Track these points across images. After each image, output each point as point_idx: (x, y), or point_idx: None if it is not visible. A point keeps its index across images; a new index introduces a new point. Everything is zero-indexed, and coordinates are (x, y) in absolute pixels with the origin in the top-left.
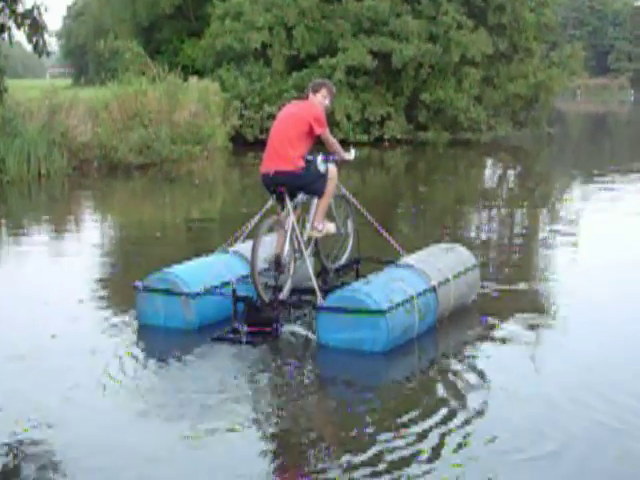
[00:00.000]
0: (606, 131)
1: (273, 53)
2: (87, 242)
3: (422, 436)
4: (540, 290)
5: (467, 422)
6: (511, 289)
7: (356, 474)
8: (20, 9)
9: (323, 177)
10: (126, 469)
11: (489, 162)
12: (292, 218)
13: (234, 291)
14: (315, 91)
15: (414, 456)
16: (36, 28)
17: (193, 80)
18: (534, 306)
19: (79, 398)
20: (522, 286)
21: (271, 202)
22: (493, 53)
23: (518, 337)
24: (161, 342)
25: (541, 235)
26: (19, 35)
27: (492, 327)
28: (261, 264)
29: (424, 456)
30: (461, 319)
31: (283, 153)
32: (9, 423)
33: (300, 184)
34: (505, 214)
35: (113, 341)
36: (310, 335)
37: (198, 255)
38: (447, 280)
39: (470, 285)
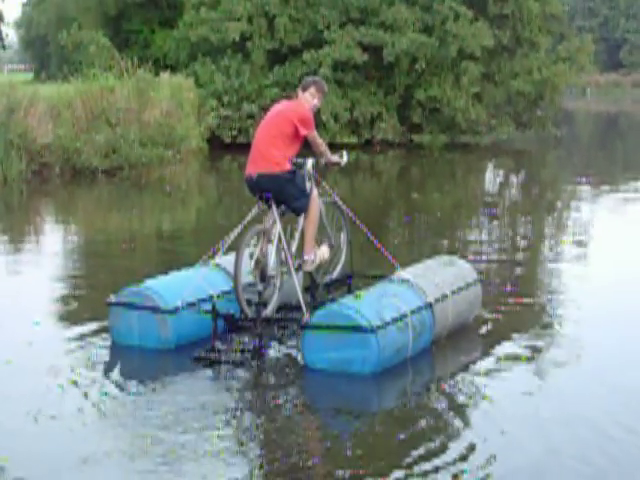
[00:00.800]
0: (618, 133)
1: (253, 46)
2: (46, 255)
3: (414, 467)
4: (544, 307)
5: (463, 455)
6: (512, 306)
7: None
8: None
9: (307, 195)
10: None
11: (490, 168)
12: (278, 227)
13: (214, 307)
14: (304, 89)
15: None
16: None
17: (165, 75)
18: (538, 324)
19: (30, 430)
20: (525, 302)
21: (255, 210)
22: (494, 47)
23: (520, 359)
24: (133, 364)
25: (545, 248)
26: None
27: (494, 348)
28: (246, 278)
29: None
30: (460, 339)
31: (267, 155)
32: None
33: (283, 191)
34: (507, 226)
35: (73, 364)
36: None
37: (169, 270)
38: (445, 296)
39: (471, 302)
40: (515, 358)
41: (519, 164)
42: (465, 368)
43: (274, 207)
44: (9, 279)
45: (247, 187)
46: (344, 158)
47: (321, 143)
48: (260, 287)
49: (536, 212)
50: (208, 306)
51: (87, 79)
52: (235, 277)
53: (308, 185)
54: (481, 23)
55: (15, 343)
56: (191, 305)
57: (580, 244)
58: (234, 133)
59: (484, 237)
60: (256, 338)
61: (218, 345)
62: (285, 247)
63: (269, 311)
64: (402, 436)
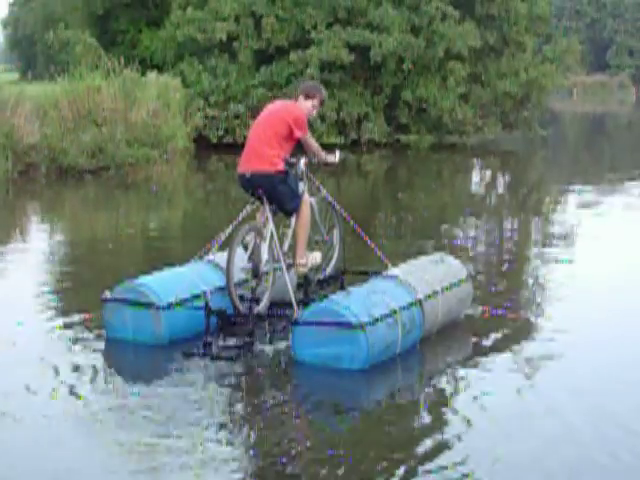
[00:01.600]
0: (605, 134)
1: (240, 46)
2: (32, 256)
3: (400, 464)
4: (533, 304)
5: (450, 449)
6: (502, 303)
7: None
8: None
9: (298, 197)
10: None
11: (476, 168)
12: (271, 225)
13: (207, 303)
14: (307, 96)
15: None
16: None
17: (152, 75)
18: (528, 321)
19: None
20: (513, 299)
21: (248, 208)
22: (481, 47)
23: (509, 358)
24: (126, 358)
25: (532, 247)
26: None
27: (484, 344)
28: (240, 275)
29: None
30: (450, 336)
31: (261, 153)
32: None
33: (275, 191)
34: (493, 226)
35: (58, 363)
36: None
37: (155, 269)
38: (435, 293)
39: (461, 299)
40: (505, 354)
41: (505, 164)
42: (455, 364)
43: (267, 204)
44: None
45: (240, 185)
46: (337, 157)
47: (314, 144)
48: (253, 283)
49: (521, 212)
50: (201, 302)
51: (74, 79)
52: (227, 274)
53: (301, 185)
54: (468, 23)
55: None
56: (185, 301)
57: (567, 242)
58: (221, 133)
59: (470, 236)
60: (248, 334)
61: (210, 341)
62: (277, 244)
63: (261, 307)
64: (391, 432)
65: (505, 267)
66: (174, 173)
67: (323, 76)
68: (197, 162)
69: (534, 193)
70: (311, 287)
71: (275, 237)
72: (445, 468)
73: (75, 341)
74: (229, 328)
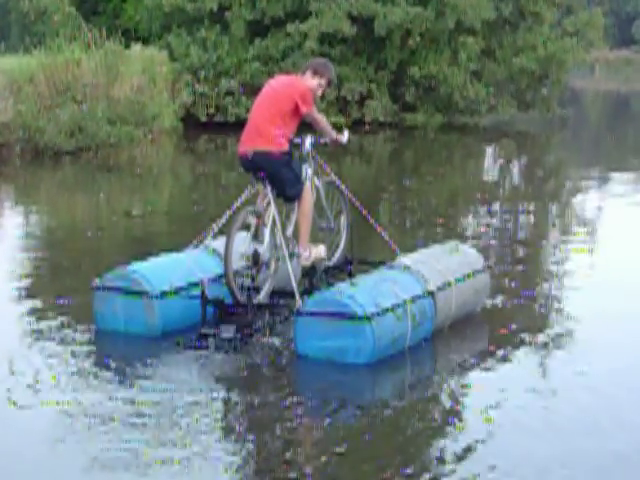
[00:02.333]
0: (630, 115)
1: (232, 16)
2: (4, 244)
3: (408, 466)
4: (551, 298)
5: (461, 455)
6: (518, 297)
7: None
8: None
9: (301, 183)
10: None
11: (489, 151)
12: (273, 209)
13: (203, 292)
14: (315, 73)
15: None
16: None
17: (136, 48)
18: (542, 321)
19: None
20: (530, 294)
21: (248, 191)
22: (495, 20)
23: (526, 353)
24: (116, 350)
25: (550, 239)
26: None
27: (499, 340)
28: (241, 262)
29: None
30: (465, 330)
31: (264, 131)
32: None
33: (278, 174)
34: (507, 215)
35: (42, 355)
36: None
37: (138, 258)
38: (448, 284)
39: (477, 290)
40: (522, 350)
41: (521, 147)
42: (469, 360)
43: (269, 187)
44: None
45: (241, 165)
46: (345, 136)
47: (322, 120)
48: (253, 272)
49: (539, 199)
50: (197, 291)
51: (51, 51)
52: (225, 261)
53: (305, 169)
54: None
55: None
56: (180, 290)
57: (587, 234)
58: (211, 111)
59: (483, 226)
60: (247, 325)
61: (206, 332)
62: (280, 230)
63: (262, 297)
64: (396, 432)
65: (520, 257)
66: (160, 154)
67: (323, 50)
68: (185, 142)
69: (552, 179)
70: (317, 276)
71: (278, 222)
72: (458, 474)
73: (54, 331)
74: (227, 318)
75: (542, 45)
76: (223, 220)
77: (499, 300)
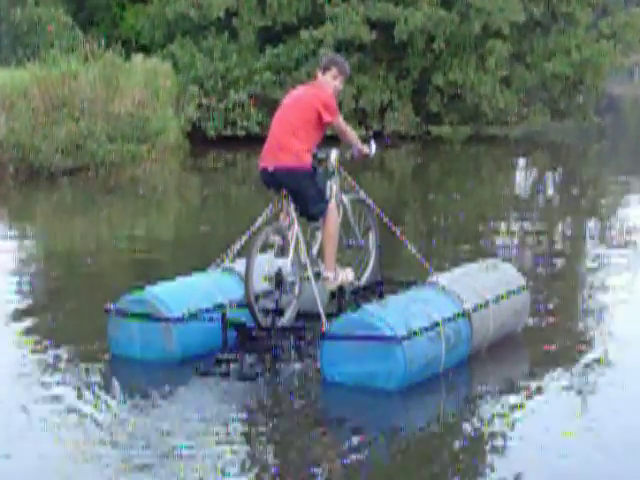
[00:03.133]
0: None
1: (241, 23)
2: None
3: None
4: (587, 328)
5: None
6: (558, 318)
7: None
8: None
9: (324, 201)
10: None
11: (520, 164)
12: (296, 227)
13: (224, 315)
14: (324, 70)
15: None
16: None
17: (137, 59)
18: (585, 341)
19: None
20: (567, 317)
21: (269, 209)
22: (525, 22)
23: (569, 380)
24: (132, 379)
25: (588, 260)
26: None
27: (540, 364)
28: (263, 285)
29: None
30: (503, 352)
31: (286, 145)
32: None
33: (301, 191)
34: (541, 233)
35: (50, 385)
36: None
37: (143, 284)
38: (485, 303)
39: (517, 311)
40: (566, 375)
41: (555, 159)
42: (509, 386)
43: (292, 204)
44: None
45: (262, 180)
46: (372, 148)
47: (348, 130)
48: (276, 293)
49: (576, 214)
50: (218, 314)
51: (45, 64)
52: (246, 282)
53: (330, 186)
54: None
55: None
56: (199, 313)
57: (627, 256)
58: (219, 126)
59: (515, 246)
60: (270, 350)
61: (228, 358)
62: (304, 250)
63: (286, 320)
64: (430, 464)
65: (557, 274)
66: (165, 173)
67: None
68: (192, 160)
69: (589, 193)
70: (345, 298)
71: (302, 241)
72: None
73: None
74: (249, 343)
75: (576, 49)
76: (243, 240)
77: (538, 319)
